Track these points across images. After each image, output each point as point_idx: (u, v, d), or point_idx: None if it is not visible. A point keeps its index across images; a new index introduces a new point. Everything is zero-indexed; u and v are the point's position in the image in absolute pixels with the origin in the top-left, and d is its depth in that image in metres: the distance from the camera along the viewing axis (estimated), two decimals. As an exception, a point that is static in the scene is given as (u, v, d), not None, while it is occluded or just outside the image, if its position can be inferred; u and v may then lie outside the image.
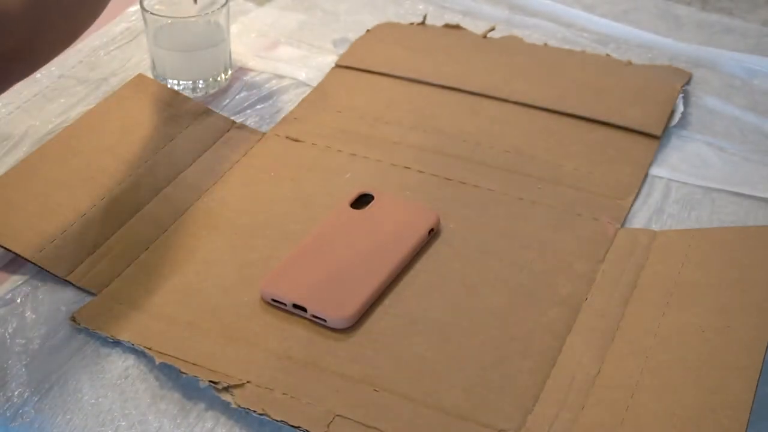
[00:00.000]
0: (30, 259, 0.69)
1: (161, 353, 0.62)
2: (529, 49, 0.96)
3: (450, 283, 0.68)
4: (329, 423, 0.58)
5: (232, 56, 0.92)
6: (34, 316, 0.66)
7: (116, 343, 0.64)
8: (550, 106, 0.86)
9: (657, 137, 0.83)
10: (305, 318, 0.65)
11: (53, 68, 0.92)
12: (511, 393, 0.60)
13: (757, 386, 0.55)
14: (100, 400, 0.60)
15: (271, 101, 0.89)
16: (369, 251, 0.69)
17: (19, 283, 0.69)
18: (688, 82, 0.91)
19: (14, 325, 0.65)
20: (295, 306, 0.65)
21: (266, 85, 0.91)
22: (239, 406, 0.58)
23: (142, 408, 0.60)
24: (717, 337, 0.60)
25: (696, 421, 0.54)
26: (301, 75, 0.92)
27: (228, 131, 0.84)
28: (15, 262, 0.70)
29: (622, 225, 0.74)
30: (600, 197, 0.76)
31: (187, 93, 0.88)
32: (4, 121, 0.85)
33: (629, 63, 0.93)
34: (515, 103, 0.87)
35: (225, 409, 0.60)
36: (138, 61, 0.94)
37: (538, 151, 0.81)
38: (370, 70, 0.92)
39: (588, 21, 1.01)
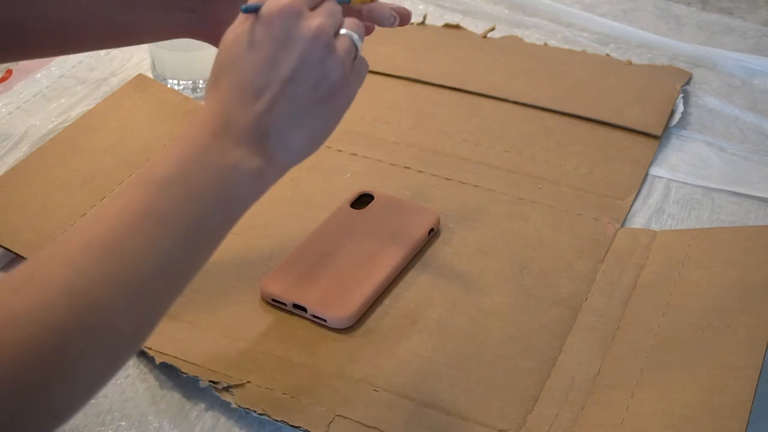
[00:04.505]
0: (30, 259, 0.69)
1: (161, 353, 0.62)
2: (529, 49, 0.96)
3: (450, 283, 0.68)
4: (329, 423, 0.57)
5: (232, 56, 0.91)
6: (34, 316, 0.66)
7: (116, 343, 0.64)
8: (550, 106, 0.86)
9: (657, 137, 0.83)
10: (305, 318, 0.65)
11: (53, 68, 0.92)
12: (511, 393, 0.60)
13: (757, 386, 0.55)
14: (100, 400, 0.60)
15: (271, 101, 0.89)
16: (369, 251, 0.69)
17: (19, 283, 0.69)
18: (688, 82, 0.91)
19: (14, 325, 0.65)
20: (295, 306, 0.65)
21: (266, 85, 0.91)
22: (239, 406, 0.58)
23: (142, 408, 0.60)
24: (717, 337, 0.60)
25: (696, 421, 0.54)
26: (301, 75, 0.92)
27: (228, 131, 0.83)
28: (15, 262, 0.70)
29: (622, 225, 0.74)
30: (600, 197, 0.76)
31: (187, 93, 0.88)
32: (4, 121, 0.85)
33: (629, 63, 0.93)
34: (515, 103, 0.87)
35: (225, 409, 0.60)
36: (138, 61, 0.94)
37: (538, 151, 0.81)
38: (370, 70, 0.92)
39: (588, 21, 1.01)
